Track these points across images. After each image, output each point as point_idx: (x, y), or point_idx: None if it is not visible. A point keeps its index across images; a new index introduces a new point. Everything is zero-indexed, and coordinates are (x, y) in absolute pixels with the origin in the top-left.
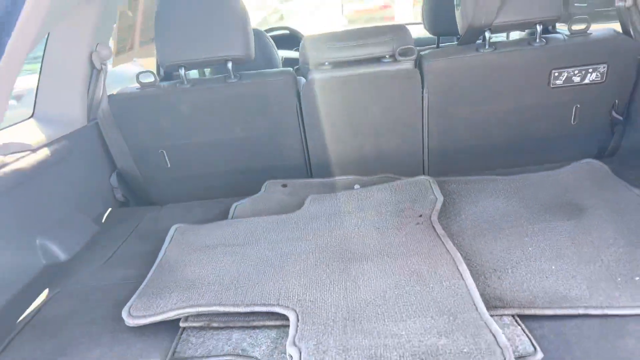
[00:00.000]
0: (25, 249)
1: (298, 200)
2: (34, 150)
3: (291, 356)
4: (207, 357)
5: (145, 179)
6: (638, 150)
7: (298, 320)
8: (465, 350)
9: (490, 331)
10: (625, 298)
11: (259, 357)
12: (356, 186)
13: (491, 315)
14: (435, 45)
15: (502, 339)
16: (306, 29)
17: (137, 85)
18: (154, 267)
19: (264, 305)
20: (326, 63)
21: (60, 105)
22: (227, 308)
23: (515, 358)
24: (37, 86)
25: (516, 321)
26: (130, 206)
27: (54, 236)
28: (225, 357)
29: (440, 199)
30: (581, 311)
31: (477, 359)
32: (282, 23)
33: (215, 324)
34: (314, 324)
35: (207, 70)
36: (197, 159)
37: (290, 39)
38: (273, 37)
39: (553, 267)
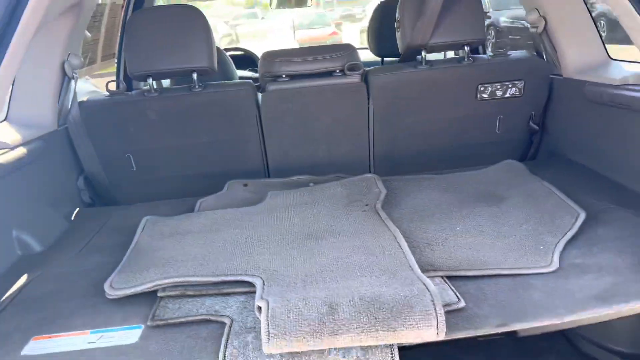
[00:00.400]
0: (2, 240)
1: (259, 196)
2: (12, 149)
3: (260, 307)
4: (184, 317)
5: (111, 182)
6: (552, 154)
7: (264, 284)
8: (401, 294)
9: (423, 282)
10: (530, 262)
11: (230, 315)
12: (311, 184)
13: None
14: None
15: (432, 286)
16: (260, 51)
17: (106, 93)
18: (128, 252)
19: (233, 275)
20: (283, 75)
21: (32, 109)
22: (200, 278)
23: (442, 305)
24: (11, 91)
25: (444, 280)
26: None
27: (29, 229)
28: (200, 317)
29: (384, 191)
30: (496, 272)
31: (411, 300)
32: (235, 45)
33: (190, 292)
34: (278, 286)
35: (165, 81)
36: (162, 163)
37: (245, 59)
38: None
39: (476, 241)
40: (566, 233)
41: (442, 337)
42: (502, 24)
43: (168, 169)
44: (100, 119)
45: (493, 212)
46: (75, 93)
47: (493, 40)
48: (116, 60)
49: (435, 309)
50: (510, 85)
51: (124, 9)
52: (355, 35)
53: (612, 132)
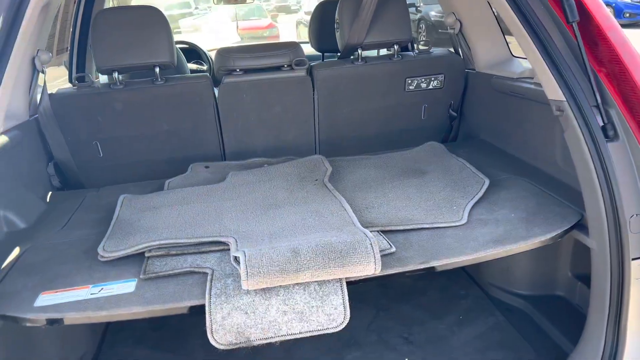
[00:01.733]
0: None
1: (220, 177)
2: None
3: (236, 257)
4: (172, 270)
5: (79, 168)
6: (468, 136)
7: (237, 242)
8: (348, 241)
9: (364, 232)
10: (445, 218)
11: (210, 267)
12: (265, 165)
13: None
14: (321, 60)
15: (370, 234)
16: (204, 44)
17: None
18: (112, 223)
19: (209, 237)
20: (237, 70)
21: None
22: (181, 240)
23: (380, 251)
24: None
25: (380, 233)
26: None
27: (12, 208)
28: (185, 270)
29: (330, 168)
30: (419, 226)
31: (355, 244)
32: (178, 38)
33: (173, 252)
34: (249, 242)
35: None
36: (127, 150)
37: (191, 53)
38: None
39: (404, 204)
40: (474, 196)
41: (379, 271)
42: (433, 19)
43: (133, 155)
44: (69, 109)
45: (417, 183)
46: (45, 85)
47: (424, 34)
48: (69, 55)
49: (373, 250)
50: (432, 79)
51: (75, 4)
52: (292, 27)
53: (513, 117)
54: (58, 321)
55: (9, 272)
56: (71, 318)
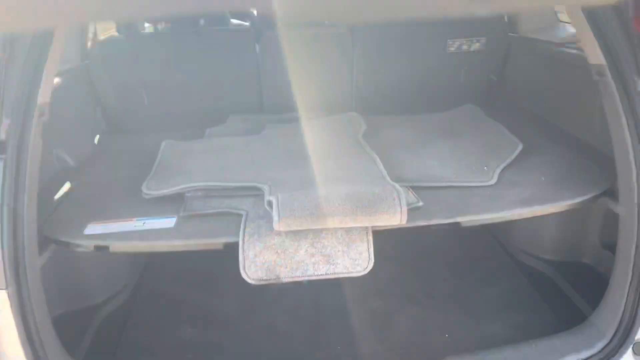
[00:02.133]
0: (44, 155)
1: (257, 128)
2: None
3: (270, 201)
4: (209, 210)
5: (126, 114)
6: (507, 101)
7: (271, 188)
8: (376, 191)
9: (392, 185)
10: (475, 178)
11: (245, 209)
12: (301, 120)
13: None
14: None
15: (398, 187)
16: None
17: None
18: (155, 165)
19: (246, 182)
20: (279, 24)
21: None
22: (219, 183)
23: (407, 204)
24: None
25: (409, 189)
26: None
27: (64, 148)
28: (222, 210)
29: (364, 125)
30: (449, 184)
31: (382, 195)
32: None
33: (211, 194)
34: (283, 189)
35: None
36: (170, 98)
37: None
38: None
39: (436, 163)
40: (506, 159)
41: (404, 222)
42: None
43: (176, 104)
44: (116, 56)
45: (451, 144)
46: (95, 34)
47: None
48: None
49: (400, 202)
50: (474, 41)
51: None
52: None
53: (553, 83)
54: (104, 248)
55: (62, 204)
56: (117, 246)
